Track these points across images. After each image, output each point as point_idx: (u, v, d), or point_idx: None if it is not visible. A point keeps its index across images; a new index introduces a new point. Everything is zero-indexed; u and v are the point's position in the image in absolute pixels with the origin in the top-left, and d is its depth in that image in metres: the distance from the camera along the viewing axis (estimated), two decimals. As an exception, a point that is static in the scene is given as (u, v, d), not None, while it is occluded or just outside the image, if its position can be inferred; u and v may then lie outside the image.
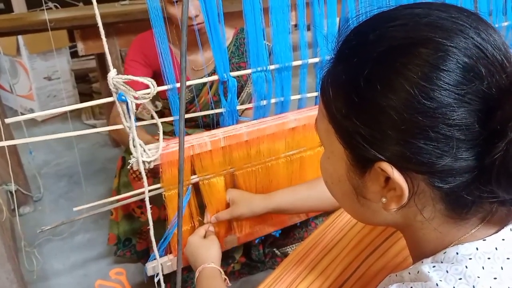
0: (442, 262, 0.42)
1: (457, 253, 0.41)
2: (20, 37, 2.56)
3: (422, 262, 0.44)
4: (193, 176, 0.98)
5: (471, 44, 0.38)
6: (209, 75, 1.29)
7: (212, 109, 1.29)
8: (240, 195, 1.03)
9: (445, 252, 0.42)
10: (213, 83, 1.28)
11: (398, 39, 0.39)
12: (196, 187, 1.01)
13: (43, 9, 1.73)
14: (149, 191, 0.94)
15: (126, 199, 0.99)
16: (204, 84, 1.28)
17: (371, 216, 0.48)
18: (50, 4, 2.70)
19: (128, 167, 0.87)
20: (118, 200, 1.02)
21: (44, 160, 2.22)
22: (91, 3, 0.70)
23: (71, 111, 2.77)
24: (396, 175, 0.40)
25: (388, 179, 0.42)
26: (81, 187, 1.93)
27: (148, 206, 0.87)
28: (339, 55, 0.45)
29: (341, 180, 0.47)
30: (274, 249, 1.37)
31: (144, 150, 0.86)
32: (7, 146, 1.37)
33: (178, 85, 0.92)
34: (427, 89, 0.37)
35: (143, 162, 0.86)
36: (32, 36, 2.45)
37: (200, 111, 1.31)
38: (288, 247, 1.35)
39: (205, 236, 1.00)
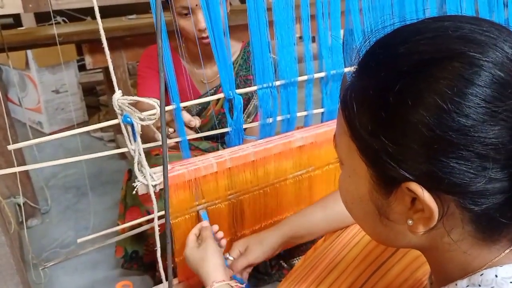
0: (480, 286, 0.40)
1: (496, 276, 0.39)
2: (29, 51, 2.60)
3: (456, 284, 0.42)
4: (202, 201, 0.96)
5: (506, 59, 0.36)
6: (218, 87, 1.30)
7: (220, 121, 1.29)
8: (247, 241, 0.93)
9: (482, 274, 0.40)
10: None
11: (430, 52, 0.38)
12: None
13: (52, 24, 1.76)
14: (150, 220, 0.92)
15: (133, 227, 0.98)
16: (212, 95, 1.29)
17: (394, 238, 0.46)
18: (59, 19, 2.74)
19: (133, 192, 0.86)
20: (122, 231, 1.00)
21: (52, 172, 2.24)
22: (100, 17, 0.72)
23: (78, 124, 2.80)
24: (427, 197, 0.38)
25: (414, 200, 0.40)
26: (88, 198, 1.94)
27: (157, 229, 0.86)
28: (363, 68, 0.43)
29: (363, 200, 0.45)
30: (281, 262, 1.36)
31: (150, 173, 0.84)
32: (15, 158, 1.38)
33: (182, 104, 0.91)
34: (461, 105, 0.35)
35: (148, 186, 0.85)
36: (40, 50, 2.48)
37: (208, 122, 1.32)
38: (295, 259, 1.34)
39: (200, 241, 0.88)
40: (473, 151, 0.35)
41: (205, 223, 0.93)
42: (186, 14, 1.14)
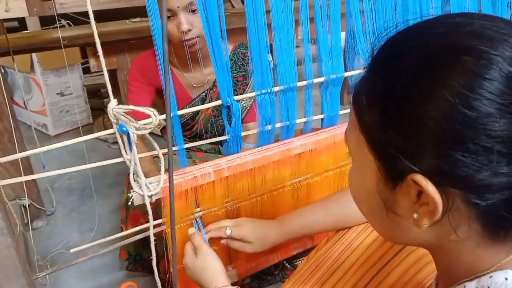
0: None
1: (506, 279, 0.39)
2: (34, 54, 2.62)
3: (464, 286, 0.42)
4: (197, 209, 0.95)
5: None
6: (208, 90, 1.31)
7: (212, 124, 1.29)
8: (252, 233, 0.91)
9: (491, 277, 0.40)
10: (212, 98, 1.29)
11: (439, 47, 0.38)
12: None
13: (57, 27, 1.78)
14: (149, 229, 0.91)
15: (135, 233, 0.98)
16: (203, 100, 1.30)
17: (400, 234, 0.46)
18: (63, 22, 2.76)
19: (129, 203, 0.85)
20: (125, 237, 1.00)
21: (56, 174, 2.25)
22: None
23: (83, 126, 2.81)
24: (431, 189, 0.38)
25: (420, 193, 0.40)
26: (92, 200, 1.95)
27: (153, 242, 0.86)
28: (374, 64, 0.44)
29: (370, 194, 0.46)
30: (284, 262, 1.37)
31: (145, 184, 0.83)
32: (21, 161, 1.40)
33: (177, 113, 0.90)
34: (469, 98, 0.35)
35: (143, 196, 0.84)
36: (45, 53, 2.50)
37: (202, 127, 1.33)
38: (298, 260, 1.34)
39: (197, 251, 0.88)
40: (479, 144, 0.35)
41: (191, 230, 0.92)
42: (169, 17, 1.14)
